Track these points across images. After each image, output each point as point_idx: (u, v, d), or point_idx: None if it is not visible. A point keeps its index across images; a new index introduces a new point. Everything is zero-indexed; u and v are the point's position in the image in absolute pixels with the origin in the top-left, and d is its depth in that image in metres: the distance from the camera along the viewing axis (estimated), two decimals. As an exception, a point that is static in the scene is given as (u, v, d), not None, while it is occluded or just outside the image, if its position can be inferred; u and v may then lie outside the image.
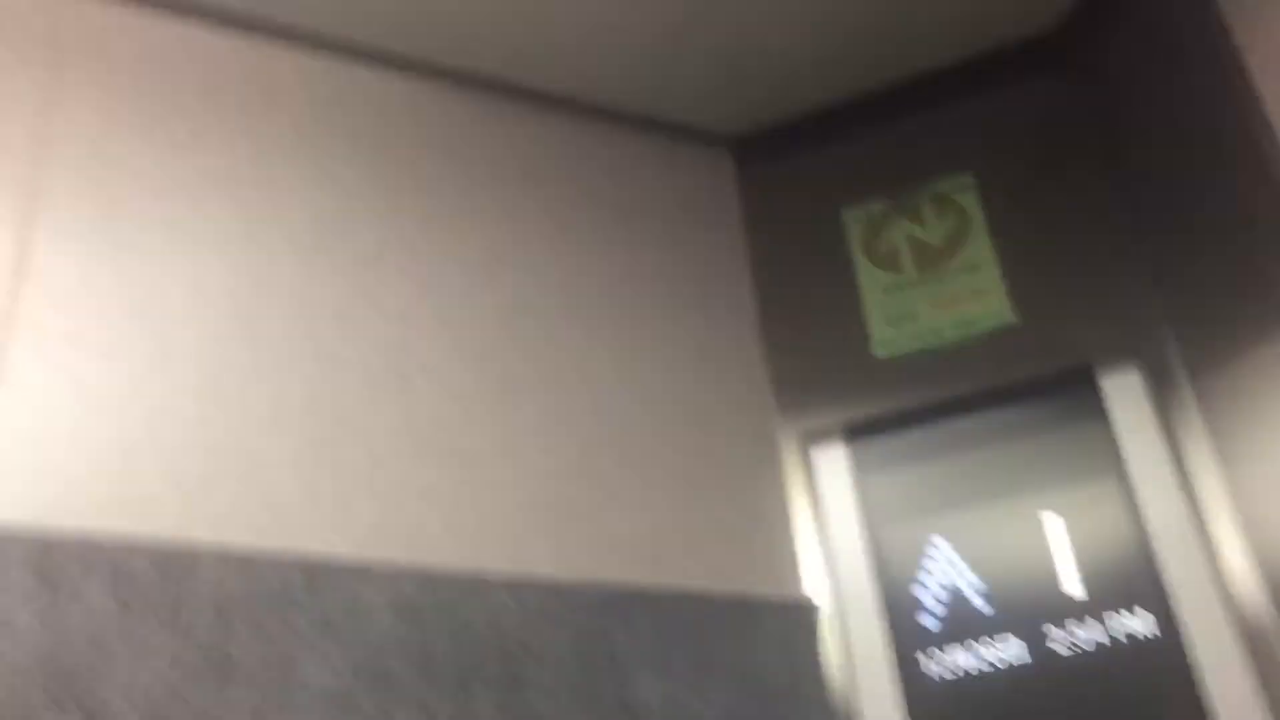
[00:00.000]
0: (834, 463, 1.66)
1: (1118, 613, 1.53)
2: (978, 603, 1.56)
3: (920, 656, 1.55)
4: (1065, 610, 1.54)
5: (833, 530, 1.62)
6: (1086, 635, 1.52)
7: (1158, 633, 1.51)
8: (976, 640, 1.55)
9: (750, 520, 1.64)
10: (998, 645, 1.54)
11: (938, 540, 1.60)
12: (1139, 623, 1.52)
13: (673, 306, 1.72)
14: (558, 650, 1.35)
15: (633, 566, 1.48)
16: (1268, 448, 1.50)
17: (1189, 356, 1.63)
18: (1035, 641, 1.53)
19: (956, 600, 1.57)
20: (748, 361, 1.75)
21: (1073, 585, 1.55)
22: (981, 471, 1.64)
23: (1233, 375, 1.59)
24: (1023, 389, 1.66)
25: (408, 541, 1.31)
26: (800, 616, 1.58)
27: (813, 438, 1.68)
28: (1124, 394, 1.62)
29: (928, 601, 1.58)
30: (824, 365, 1.75)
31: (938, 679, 1.54)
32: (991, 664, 1.53)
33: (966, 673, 1.53)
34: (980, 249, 1.74)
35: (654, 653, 1.43)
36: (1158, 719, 1.48)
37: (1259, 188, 1.54)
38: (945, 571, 1.59)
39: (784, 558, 1.63)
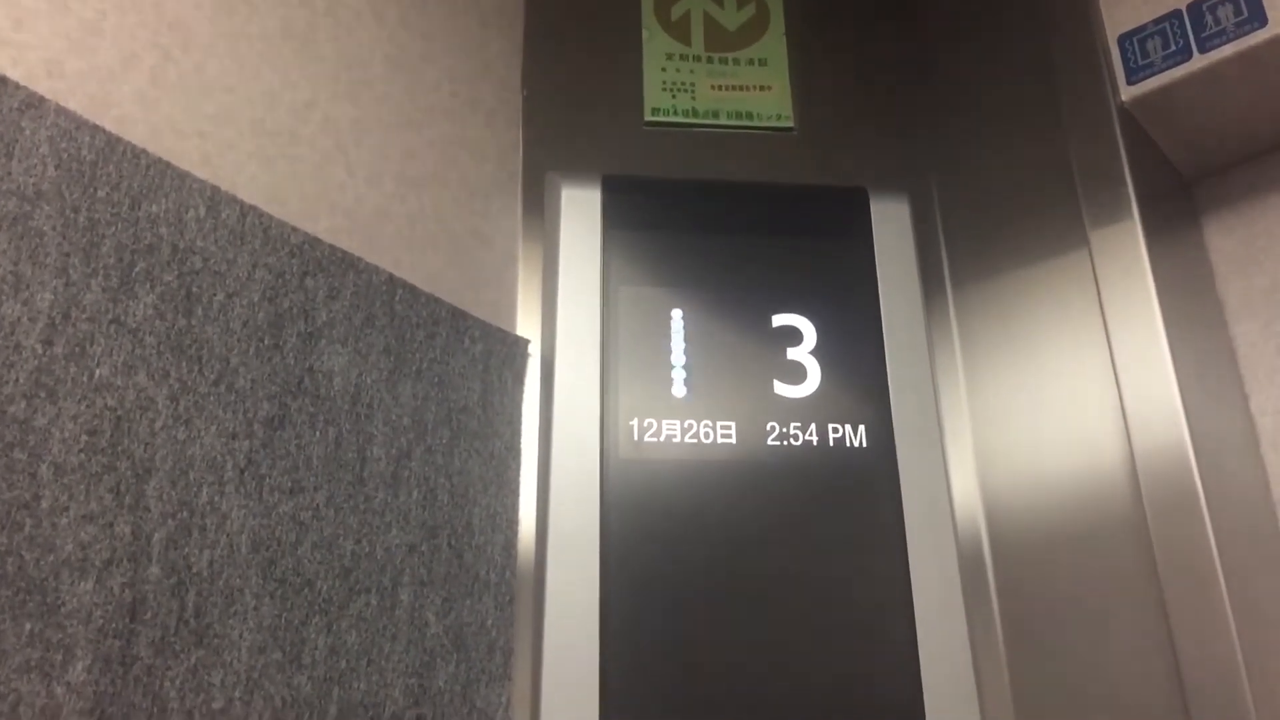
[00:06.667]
0: (585, 206, 1.58)
1: (840, 426, 1.52)
2: (701, 384, 1.53)
3: (633, 422, 1.50)
4: (787, 411, 1.52)
5: (567, 275, 1.54)
6: (803, 436, 1.51)
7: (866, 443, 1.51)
8: (691, 419, 1.50)
9: (481, 241, 1.55)
10: (711, 426, 1.51)
11: (676, 314, 1.56)
12: (854, 435, 1.52)
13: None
14: (244, 281, 1.24)
15: (347, 234, 1.38)
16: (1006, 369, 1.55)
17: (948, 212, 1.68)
18: (750, 432, 1.51)
19: (685, 376, 1.53)
20: (508, 83, 1.68)
21: (797, 389, 1.54)
22: (733, 260, 1.61)
23: (983, 288, 1.63)
24: (789, 192, 1.66)
25: (99, 97, 1.18)
26: (509, 348, 1.49)
27: (569, 179, 1.60)
28: (890, 220, 1.63)
29: (656, 370, 1.53)
30: (593, 110, 1.68)
31: (640, 441, 1.48)
32: (697, 439, 1.49)
33: (670, 440, 1.48)
34: (773, 47, 1.74)
35: (349, 327, 1.34)
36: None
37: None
38: (678, 346, 1.55)
39: (507, 287, 1.56)
